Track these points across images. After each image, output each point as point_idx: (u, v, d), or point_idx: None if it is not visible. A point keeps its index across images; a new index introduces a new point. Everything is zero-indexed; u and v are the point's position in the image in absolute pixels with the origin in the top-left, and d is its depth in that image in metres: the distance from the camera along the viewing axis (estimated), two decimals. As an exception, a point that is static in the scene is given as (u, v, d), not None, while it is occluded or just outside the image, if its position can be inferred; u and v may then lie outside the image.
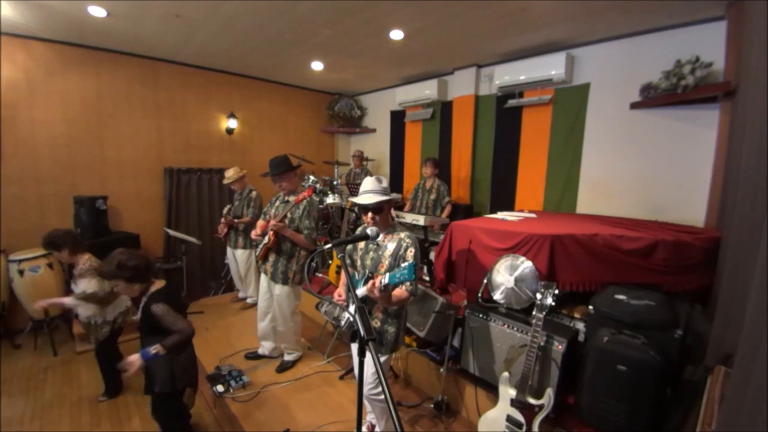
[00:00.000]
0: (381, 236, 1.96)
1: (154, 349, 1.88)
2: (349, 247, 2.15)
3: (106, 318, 2.63)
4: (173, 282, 2.18)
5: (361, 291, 1.81)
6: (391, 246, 1.95)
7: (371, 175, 6.08)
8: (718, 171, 2.92)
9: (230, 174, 4.06)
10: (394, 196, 2.61)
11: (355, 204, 2.16)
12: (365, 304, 1.91)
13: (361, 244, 2.07)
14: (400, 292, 1.82)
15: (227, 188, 4.72)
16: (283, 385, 2.79)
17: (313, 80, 5.60)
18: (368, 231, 1.79)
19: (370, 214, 1.92)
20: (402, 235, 1.96)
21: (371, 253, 2.02)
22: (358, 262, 2.08)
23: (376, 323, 2.00)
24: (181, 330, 1.93)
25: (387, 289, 1.71)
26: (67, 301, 2.51)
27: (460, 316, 2.61)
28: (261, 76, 5.44)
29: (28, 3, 3.02)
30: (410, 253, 1.89)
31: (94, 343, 2.69)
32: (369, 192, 1.93)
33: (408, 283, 1.79)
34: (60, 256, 2.58)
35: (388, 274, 1.66)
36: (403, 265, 1.67)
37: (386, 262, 1.93)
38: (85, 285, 2.54)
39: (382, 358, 2.00)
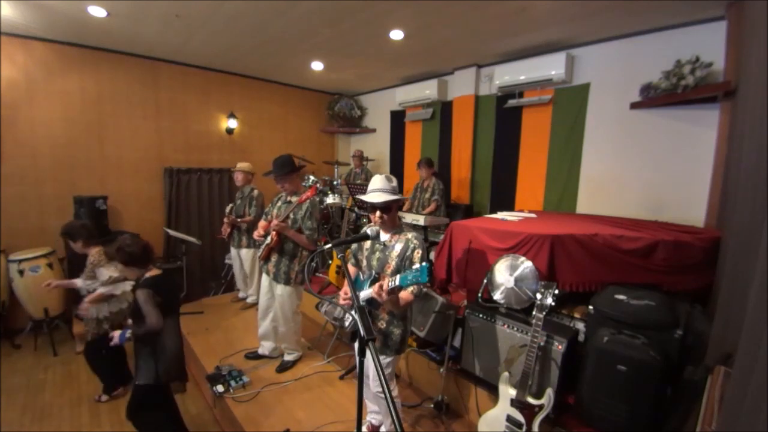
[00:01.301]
0: (388, 236, 1.94)
1: (128, 332, 1.99)
2: (355, 246, 2.12)
3: (110, 312, 2.72)
4: (170, 276, 2.22)
5: (366, 292, 1.77)
6: (398, 247, 1.90)
7: (371, 175, 6.03)
8: (718, 171, 2.91)
9: (242, 165, 4.10)
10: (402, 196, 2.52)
11: (359, 202, 2.14)
12: (371, 306, 1.88)
13: (367, 244, 2.03)
14: (406, 294, 1.78)
15: (228, 188, 4.73)
16: (283, 385, 2.79)
17: (313, 80, 5.60)
18: (368, 231, 1.78)
19: (378, 213, 1.87)
20: (409, 235, 1.91)
21: (377, 253, 1.97)
22: (364, 263, 2.04)
23: (381, 325, 1.96)
24: (148, 321, 1.96)
25: (395, 291, 1.65)
26: (101, 290, 2.68)
27: (460, 316, 2.61)
28: (261, 76, 5.44)
29: (28, 3, 3.02)
30: (417, 254, 1.85)
31: (90, 339, 2.75)
32: (378, 190, 1.88)
33: (417, 285, 1.74)
34: (75, 247, 2.73)
35: (398, 276, 1.61)
36: (416, 266, 1.62)
37: (393, 263, 1.89)
38: (108, 272, 2.71)
39: (388, 359, 1.98)
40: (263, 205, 4.06)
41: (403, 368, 2.91)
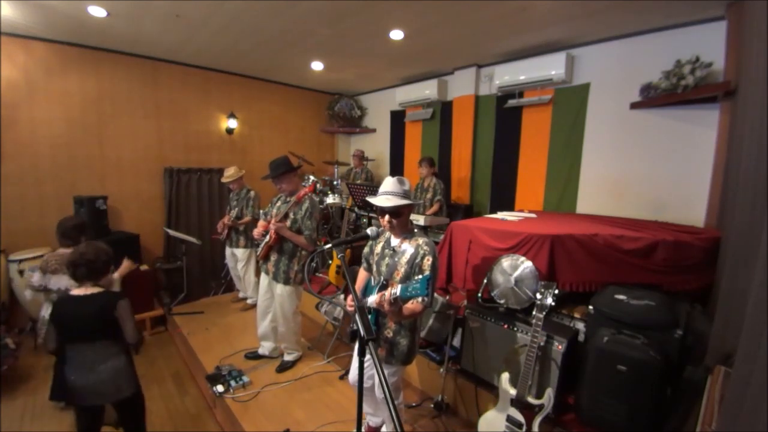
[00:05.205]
0: (397, 241, 1.86)
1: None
2: (366, 250, 2.05)
3: None
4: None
5: (372, 299, 1.70)
6: (408, 252, 1.80)
7: (371, 175, 5.99)
8: (718, 171, 2.91)
9: (230, 173, 4.06)
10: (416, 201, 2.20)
11: (364, 203, 2.08)
12: (379, 314, 1.82)
13: (377, 249, 1.95)
14: (413, 305, 1.66)
15: (227, 188, 4.72)
16: (283, 385, 2.79)
17: (313, 80, 5.60)
18: (368, 231, 1.77)
19: (387, 218, 1.77)
20: (420, 241, 1.80)
21: (387, 258, 1.87)
22: (374, 268, 1.96)
23: (388, 333, 1.87)
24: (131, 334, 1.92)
25: (397, 303, 1.56)
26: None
27: (460, 316, 2.61)
28: (261, 76, 5.44)
29: (28, 3, 3.02)
30: (427, 262, 1.74)
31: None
32: (388, 193, 1.78)
33: (421, 297, 1.62)
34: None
35: (399, 286, 1.52)
36: (417, 277, 1.55)
37: (402, 270, 1.79)
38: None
39: (392, 369, 1.91)
40: (260, 206, 4.06)
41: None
